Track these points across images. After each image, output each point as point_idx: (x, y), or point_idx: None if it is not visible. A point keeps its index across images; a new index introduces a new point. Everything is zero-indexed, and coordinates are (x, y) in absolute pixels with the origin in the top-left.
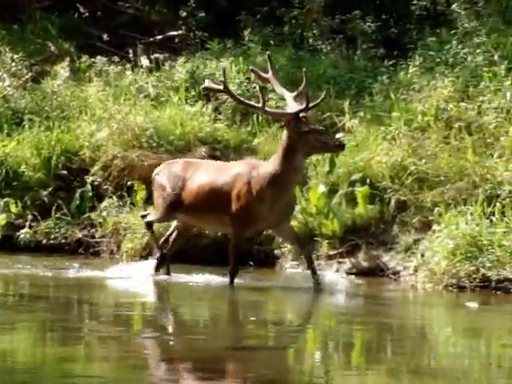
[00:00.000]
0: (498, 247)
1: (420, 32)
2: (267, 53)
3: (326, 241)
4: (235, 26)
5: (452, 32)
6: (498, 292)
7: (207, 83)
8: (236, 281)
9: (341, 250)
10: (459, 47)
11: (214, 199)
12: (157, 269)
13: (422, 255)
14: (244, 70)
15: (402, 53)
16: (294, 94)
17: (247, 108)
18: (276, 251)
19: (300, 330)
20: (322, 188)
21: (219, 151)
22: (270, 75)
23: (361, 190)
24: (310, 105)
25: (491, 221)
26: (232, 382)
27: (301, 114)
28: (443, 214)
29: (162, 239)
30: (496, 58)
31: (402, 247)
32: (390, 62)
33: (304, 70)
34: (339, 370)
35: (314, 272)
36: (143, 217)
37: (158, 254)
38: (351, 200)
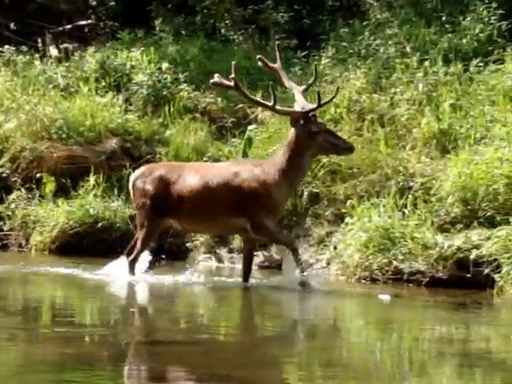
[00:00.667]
0: (410, 239)
1: (333, 23)
2: (276, 42)
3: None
4: (146, 16)
5: (364, 23)
6: (410, 284)
7: (217, 79)
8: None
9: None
10: (371, 38)
11: (216, 203)
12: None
13: (335, 248)
14: (155, 61)
15: (314, 44)
16: (303, 88)
17: (159, 99)
18: (188, 244)
19: (211, 324)
20: None
21: (130, 143)
22: (278, 65)
23: None
24: (322, 102)
25: (403, 213)
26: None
27: (311, 113)
28: (356, 207)
29: (129, 245)
30: (408, 49)
31: (314, 240)
32: (303, 53)
33: (315, 64)
34: (250, 364)
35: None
36: (128, 254)
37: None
38: None
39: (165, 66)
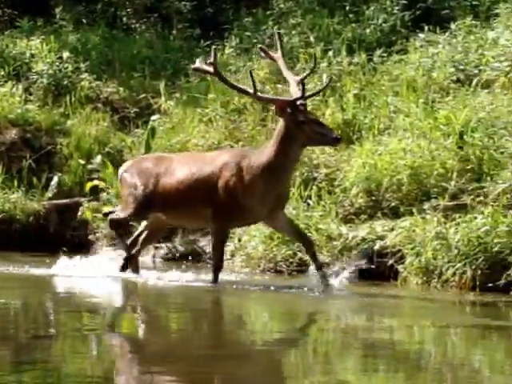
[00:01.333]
0: (314, 231)
1: (236, 12)
2: (276, 31)
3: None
4: (46, 4)
5: (268, 12)
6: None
7: (198, 64)
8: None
9: None
10: (275, 28)
11: (199, 193)
12: (123, 269)
13: (239, 240)
14: (55, 50)
15: (218, 33)
16: (300, 78)
17: (59, 88)
18: (91, 236)
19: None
20: None
21: (30, 133)
22: (278, 55)
23: None
24: (307, 94)
25: (308, 204)
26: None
27: (298, 102)
28: None
29: (130, 239)
30: (312, 39)
31: None
32: (206, 43)
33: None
34: (143, 359)
35: (318, 268)
36: (107, 214)
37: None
38: None
39: (65, 54)
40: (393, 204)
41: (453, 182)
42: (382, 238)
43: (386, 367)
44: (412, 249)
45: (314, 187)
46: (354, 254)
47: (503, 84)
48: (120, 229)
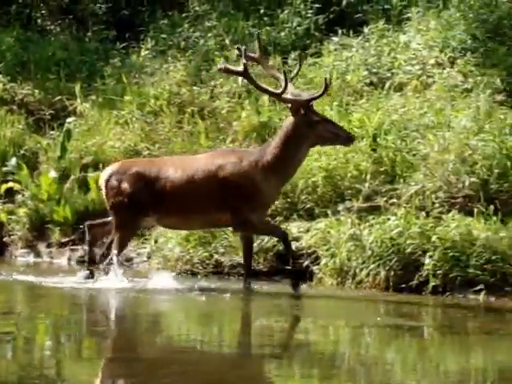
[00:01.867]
0: (230, 233)
1: (152, 14)
2: (256, 33)
3: (58, 228)
4: None
5: (184, 15)
6: (231, 277)
7: (223, 65)
8: None
9: (73, 238)
10: (191, 31)
11: (203, 195)
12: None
13: (156, 241)
14: None
15: (133, 35)
16: (291, 77)
17: None
18: (5, 239)
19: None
20: (53, 173)
21: None
22: (259, 55)
23: (93, 176)
24: (317, 94)
25: None
26: None
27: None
28: None
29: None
30: (227, 42)
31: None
32: (122, 45)
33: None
34: (71, 360)
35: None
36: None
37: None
38: (83, 186)
39: None
40: (308, 206)
41: (366, 184)
42: (297, 239)
43: (300, 367)
44: (327, 250)
45: None
46: (270, 255)
47: (415, 87)
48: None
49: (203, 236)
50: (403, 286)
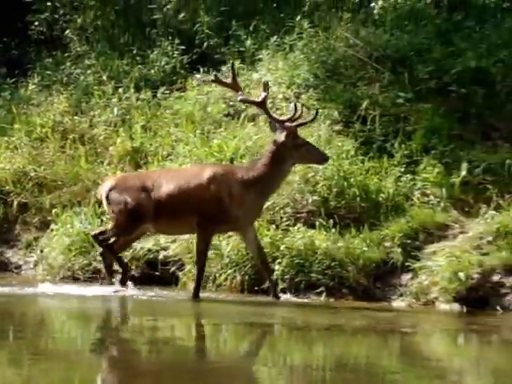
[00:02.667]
0: None
1: (38, 54)
2: (231, 61)
3: None
4: None
5: (66, 54)
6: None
7: (243, 97)
8: None
9: None
10: (73, 68)
11: (188, 204)
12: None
13: (42, 251)
14: None
15: (22, 72)
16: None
17: None
18: None
19: None
20: None
21: None
22: (232, 82)
23: None
24: (305, 120)
25: (102, 220)
26: None
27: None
28: (60, 215)
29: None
30: (104, 78)
31: (23, 244)
32: (12, 80)
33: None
34: None
35: (270, 282)
36: (97, 237)
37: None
38: None
39: None
40: None
41: None
42: (165, 248)
43: (171, 360)
44: (190, 258)
45: None
46: (141, 262)
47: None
48: (111, 250)
49: (84, 246)
50: (256, 288)
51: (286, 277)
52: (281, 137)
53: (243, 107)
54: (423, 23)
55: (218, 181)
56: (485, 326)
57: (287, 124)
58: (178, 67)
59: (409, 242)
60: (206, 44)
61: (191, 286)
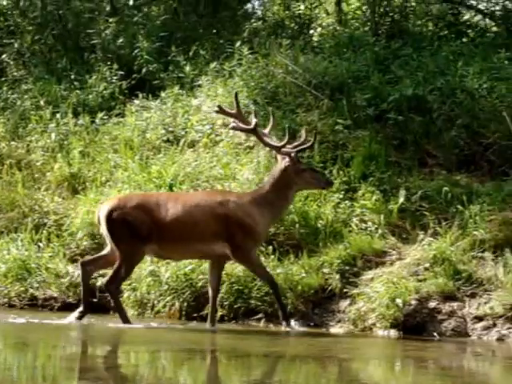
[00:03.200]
0: (44, 270)
1: None
2: (234, 91)
3: None
4: None
5: (3, 79)
6: (45, 309)
7: (235, 124)
8: None
9: None
10: (9, 93)
11: (201, 231)
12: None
13: None
14: None
15: None
16: (267, 130)
17: None
18: None
19: None
20: None
21: None
22: (236, 112)
23: None
24: (306, 146)
25: (39, 246)
26: None
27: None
28: None
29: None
30: (42, 102)
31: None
32: None
33: (272, 111)
34: None
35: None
36: (110, 284)
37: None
38: None
39: None
40: None
41: None
42: (103, 275)
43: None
44: (129, 284)
45: (45, 232)
46: (79, 289)
47: (205, 144)
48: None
49: (20, 273)
50: (195, 315)
51: (225, 303)
52: (281, 163)
53: (182, 133)
54: (361, 50)
55: (235, 205)
56: (422, 352)
57: (287, 150)
58: (117, 92)
59: (347, 268)
60: (144, 69)
61: (130, 312)
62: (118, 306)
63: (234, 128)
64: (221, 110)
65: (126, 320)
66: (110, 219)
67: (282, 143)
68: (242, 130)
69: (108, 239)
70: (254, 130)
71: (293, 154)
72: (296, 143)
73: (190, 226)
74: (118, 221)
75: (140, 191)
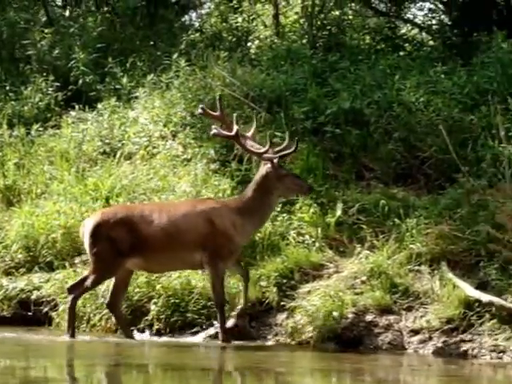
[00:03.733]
0: None
1: None
2: (218, 94)
3: None
4: None
5: None
6: None
7: (216, 130)
8: None
9: None
10: None
11: (185, 240)
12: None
13: None
14: None
15: None
16: (250, 133)
17: None
18: None
19: None
20: None
21: None
22: (220, 114)
23: None
24: (290, 150)
25: None
26: None
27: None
28: None
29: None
30: None
31: None
32: None
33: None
34: None
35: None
36: (73, 289)
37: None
38: None
39: None
40: (48, 259)
41: None
42: (38, 288)
43: None
44: (65, 298)
45: None
46: (14, 302)
47: (142, 156)
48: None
49: None
50: (132, 328)
51: (161, 317)
52: (263, 169)
53: (119, 145)
54: (299, 63)
55: (218, 214)
56: (358, 365)
57: (268, 156)
58: (53, 104)
59: (284, 281)
60: (81, 81)
61: (64, 325)
62: (69, 315)
63: (215, 135)
64: (205, 112)
65: (72, 333)
66: (94, 235)
67: (264, 149)
68: (223, 136)
69: (88, 254)
70: (236, 137)
71: (275, 160)
72: (278, 149)
73: (175, 236)
74: (102, 237)
75: (124, 203)
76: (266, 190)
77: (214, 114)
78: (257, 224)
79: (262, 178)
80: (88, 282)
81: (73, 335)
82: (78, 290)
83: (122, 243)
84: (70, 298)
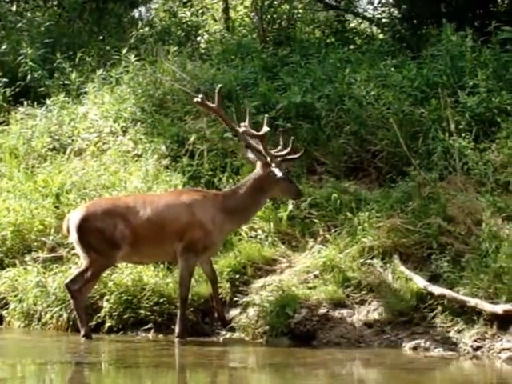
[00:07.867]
0: None
1: None
2: (216, 85)
3: None
4: None
5: None
6: None
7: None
8: None
9: None
10: None
11: (168, 231)
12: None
13: None
14: None
15: None
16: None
17: None
18: None
19: None
20: None
21: None
22: (216, 106)
23: None
24: (297, 155)
25: None
26: None
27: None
28: None
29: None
30: None
31: None
32: None
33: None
34: None
35: (221, 313)
36: (73, 283)
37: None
38: None
39: None
40: None
41: (51, 237)
42: None
43: None
44: (15, 296)
45: None
46: None
47: (93, 152)
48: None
49: None
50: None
51: (114, 313)
52: (263, 170)
53: (69, 141)
54: (249, 58)
55: (200, 206)
56: (312, 359)
57: (277, 160)
58: (1, 100)
59: (237, 276)
60: (29, 76)
61: (16, 324)
62: (77, 309)
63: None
64: (202, 103)
65: (85, 328)
66: (81, 229)
67: (283, 153)
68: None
69: (78, 248)
70: (263, 137)
71: (278, 163)
72: (283, 152)
73: (160, 227)
74: (90, 229)
75: (106, 196)
76: (261, 190)
77: (211, 105)
78: (236, 224)
79: (260, 178)
80: (88, 274)
81: (89, 335)
82: (78, 283)
83: (110, 234)
84: (71, 293)
